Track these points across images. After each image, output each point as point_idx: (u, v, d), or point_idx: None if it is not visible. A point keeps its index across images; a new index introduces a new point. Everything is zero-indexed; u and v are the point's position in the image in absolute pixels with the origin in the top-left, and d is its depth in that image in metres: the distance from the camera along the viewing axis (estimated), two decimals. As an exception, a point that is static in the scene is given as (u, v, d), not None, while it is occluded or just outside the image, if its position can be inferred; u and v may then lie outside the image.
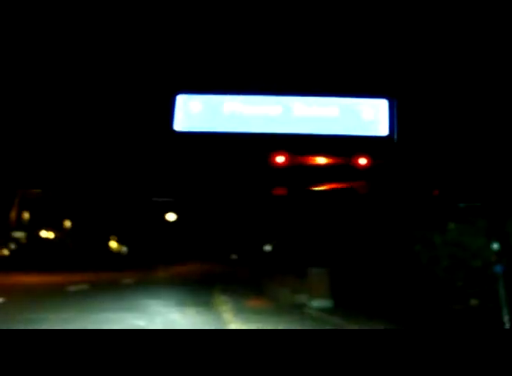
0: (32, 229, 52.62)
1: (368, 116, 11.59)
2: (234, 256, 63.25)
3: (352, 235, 20.70)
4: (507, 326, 10.41)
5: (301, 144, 11.78)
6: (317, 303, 16.51)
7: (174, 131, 11.56)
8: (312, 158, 11.98)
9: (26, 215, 52.15)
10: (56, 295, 18.24)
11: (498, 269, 10.99)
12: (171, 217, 53.78)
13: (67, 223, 58.39)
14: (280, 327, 12.12)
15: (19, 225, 50.81)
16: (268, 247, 46.50)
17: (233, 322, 12.67)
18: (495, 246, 11.13)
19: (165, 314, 14.15)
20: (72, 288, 20.46)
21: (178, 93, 11.66)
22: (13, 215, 49.24)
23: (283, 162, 11.69)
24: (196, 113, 11.71)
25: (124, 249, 67.60)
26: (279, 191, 13.59)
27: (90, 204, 50.72)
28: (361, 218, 19.61)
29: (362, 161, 11.56)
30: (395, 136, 11.32)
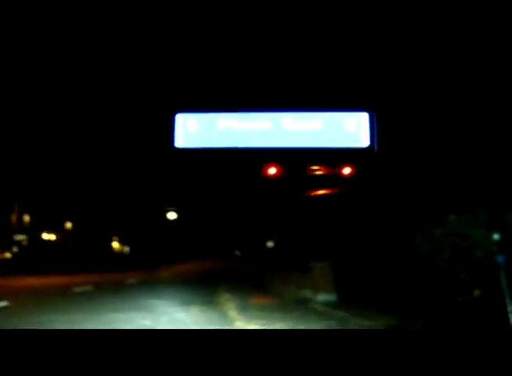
0: (33, 231, 53.09)
1: (350, 128, 12.42)
2: (237, 252, 63.55)
3: (353, 229, 20.74)
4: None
5: (290, 156, 12.64)
6: (322, 297, 16.44)
7: (176, 148, 12.44)
8: (301, 169, 12.80)
9: (26, 218, 52.64)
10: (62, 297, 18.31)
11: (500, 259, 10.88)
12: (171, 215, 54.41)
13: (68, 225, 58.90)
14: (285, 323, 12.28)
15: (21, 227, 51.31)
16: (270, 244, 46.96)
17: (238, 320, 12.87)
18: (496, 236, 11.10)
19: (171, 313, 14.46)
20: (77, 289, 20.54)
21: (177, 113, 12.53)
22: (14, 218, 49.80)
23: (275, 173, 12.58)
24: (193, 130, 12.57)
25: (127, 249, 67.87)
26: (273, 203, 14.33)
27: (91, 206, 51.23)
28: (361, 212, 19.76)
29: (346, 171, 12.45)
30: (376, 147, 12.14)
